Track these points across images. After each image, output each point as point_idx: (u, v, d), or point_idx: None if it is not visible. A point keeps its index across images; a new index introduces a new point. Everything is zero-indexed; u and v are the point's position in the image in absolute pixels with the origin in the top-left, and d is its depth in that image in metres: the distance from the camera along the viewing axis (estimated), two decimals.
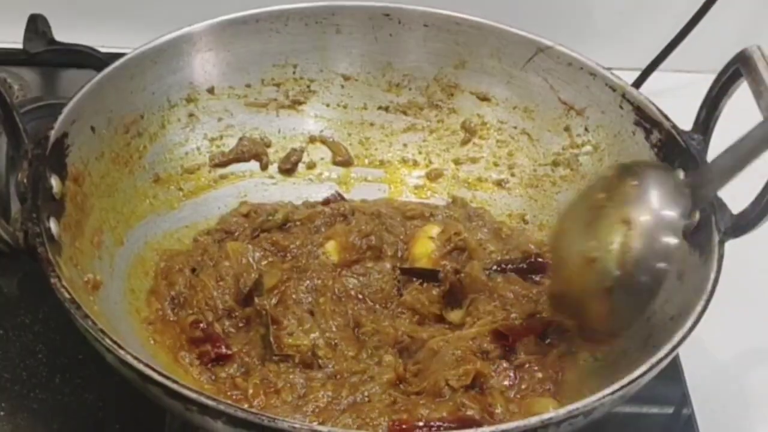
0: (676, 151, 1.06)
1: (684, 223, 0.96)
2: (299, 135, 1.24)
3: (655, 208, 0.97)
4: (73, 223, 1.00)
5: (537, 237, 1.18)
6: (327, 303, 1.06)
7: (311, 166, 1.24)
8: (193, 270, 1.09)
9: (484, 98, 1.24)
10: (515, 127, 1.23)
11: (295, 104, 1.24)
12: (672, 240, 0.95)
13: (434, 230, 1.12)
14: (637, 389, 0.86)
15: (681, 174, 1.04)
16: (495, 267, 1.12)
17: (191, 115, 1.19)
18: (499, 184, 1.23)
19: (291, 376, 0.99)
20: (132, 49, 1.12)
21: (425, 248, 1.11)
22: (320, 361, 1.01)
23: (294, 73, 1.24)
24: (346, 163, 1.25)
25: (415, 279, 1.10)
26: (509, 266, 1.12)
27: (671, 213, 0.96)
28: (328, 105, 1.25)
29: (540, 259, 1.12)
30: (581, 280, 0.97)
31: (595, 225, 0.98)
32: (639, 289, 0.95)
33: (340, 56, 1.24)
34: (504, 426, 0.80)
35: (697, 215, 1.00)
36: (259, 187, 1.22)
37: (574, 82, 1.18)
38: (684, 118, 1.08)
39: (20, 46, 1.34)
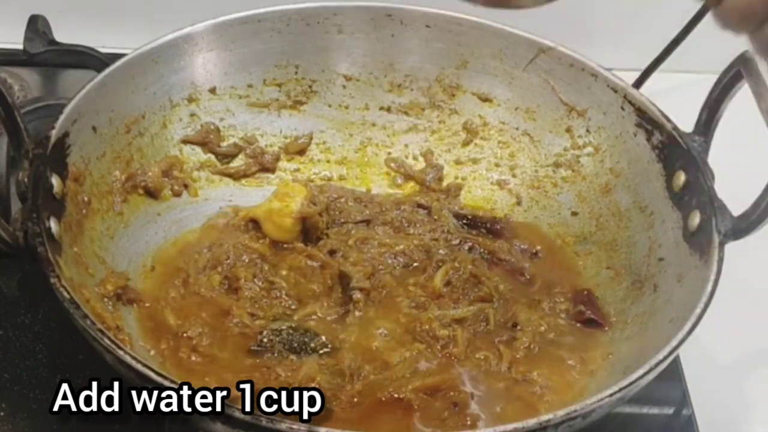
0: (678, 153, 1.06)
1: None
2: (301, 135, 1.25)
3: None
4: (74, 223, 1.00)
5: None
6: None
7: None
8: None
9: (486, 99, 1.24)
10: (517, 128, 1.23)
11: (297, 104, 1.24)
12: None
13: None
14: (637, 391, 0.86)
15: (682, 176, 1.04)
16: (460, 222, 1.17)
17: (193, 115, 1.19)
18: (500, 185, 1.23)
19: None
20: (132, 49, 1.12)
21: None
22: None
23: (296, 73, 1.24)
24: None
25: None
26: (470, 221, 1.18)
27: None
28: (329, 105, 1.25)
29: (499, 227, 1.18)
30: None
31: None
32: None
33: (341, 56, 1.24)
34: (502, 427, 0.80)
35: (698, 217, 1.00)
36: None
37: (575, 83, 1.18)
38: (684, 119, 1.08)
39: (20, 46, 1.33)
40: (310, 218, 1.12)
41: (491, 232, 1.18)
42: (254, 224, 1.14)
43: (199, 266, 1.09)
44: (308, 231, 1.13)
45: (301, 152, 1.24)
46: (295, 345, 1.01)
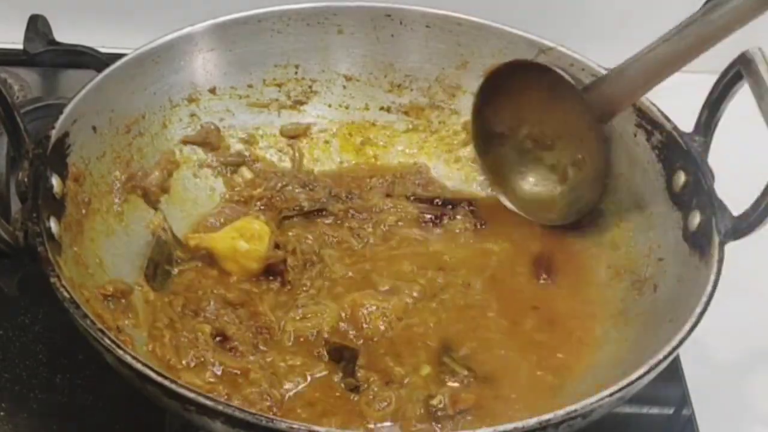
0: (678, 153, 1.06)
1: None
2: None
3: None
4: (74, 223, 1.00)
5: None
6: None
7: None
8: None
9: None
10: None
11: (297, 104, 1.24)
12: None
13: None
14: (636, 390, 0.86)
15: (682, 176, 1.04)
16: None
17: (193, 115, 1.19)
18: None
19: None
20: (133, 49, 1.12)
21: None
22: None
23: (296, 73, 1.24)
24: None
25: None
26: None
27: None
28: (329, 105, 1.25)
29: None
30: None
31: None
32: None
33: (341, 57, 1.24)
34: (502, 427, 0.80)
35: (698, 217, 1.00)
36: None
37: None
38: (684, 119, 1.08)
39: (20, 46, 1.34)
40: (274, 261, 1.09)
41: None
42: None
43: (176, 309, 1.04)
44: (269, 269, 1.09)
45: (297, 137, 1.24)
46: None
